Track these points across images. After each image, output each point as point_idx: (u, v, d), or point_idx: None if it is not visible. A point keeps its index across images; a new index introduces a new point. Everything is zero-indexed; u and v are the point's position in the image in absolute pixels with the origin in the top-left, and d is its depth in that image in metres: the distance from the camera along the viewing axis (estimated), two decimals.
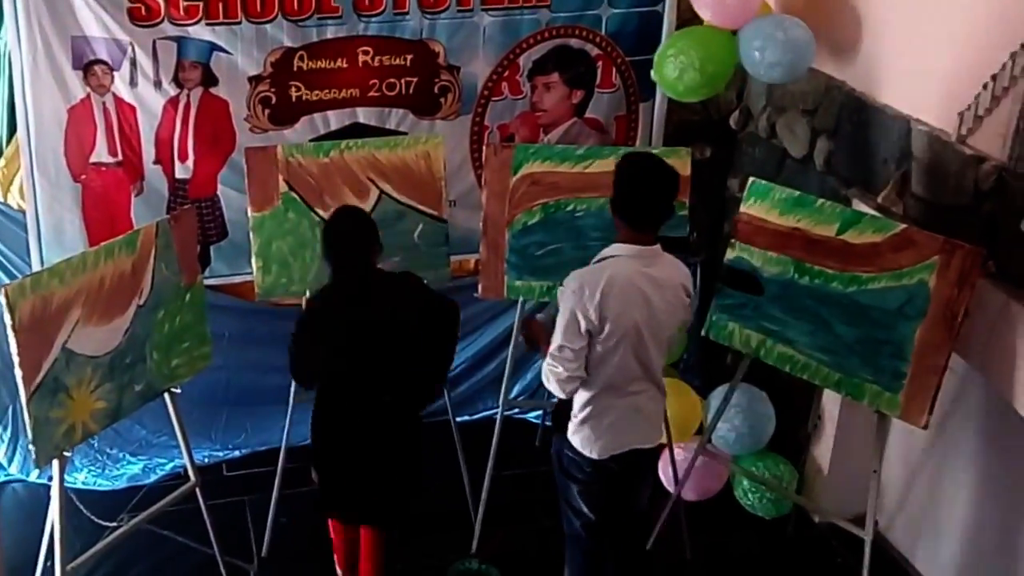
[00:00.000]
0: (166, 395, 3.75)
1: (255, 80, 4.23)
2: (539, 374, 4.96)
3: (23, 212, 4.19)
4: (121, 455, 4.68)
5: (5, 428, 4.50)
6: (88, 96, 4.08)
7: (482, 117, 4.56)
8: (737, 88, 4.73)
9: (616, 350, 3.31)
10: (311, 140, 4.31)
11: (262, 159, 4.03)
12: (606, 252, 3.36)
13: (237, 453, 4.80)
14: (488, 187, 4.10)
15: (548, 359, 3.35)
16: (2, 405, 4.46)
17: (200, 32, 4.10)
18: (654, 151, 4.30)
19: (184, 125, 4.23)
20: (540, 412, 5.05)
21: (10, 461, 4.58)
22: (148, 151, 4.22)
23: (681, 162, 4.01)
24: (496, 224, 4.09)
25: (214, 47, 4.14)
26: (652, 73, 4.23)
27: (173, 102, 4.17)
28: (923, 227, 3.56)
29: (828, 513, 4.21)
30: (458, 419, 4.46)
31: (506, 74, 4.51)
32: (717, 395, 4.31)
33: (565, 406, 3.46)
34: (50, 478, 3.49)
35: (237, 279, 4.46)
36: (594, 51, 4.56)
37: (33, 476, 4.55)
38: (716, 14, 4.03)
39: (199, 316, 3.86)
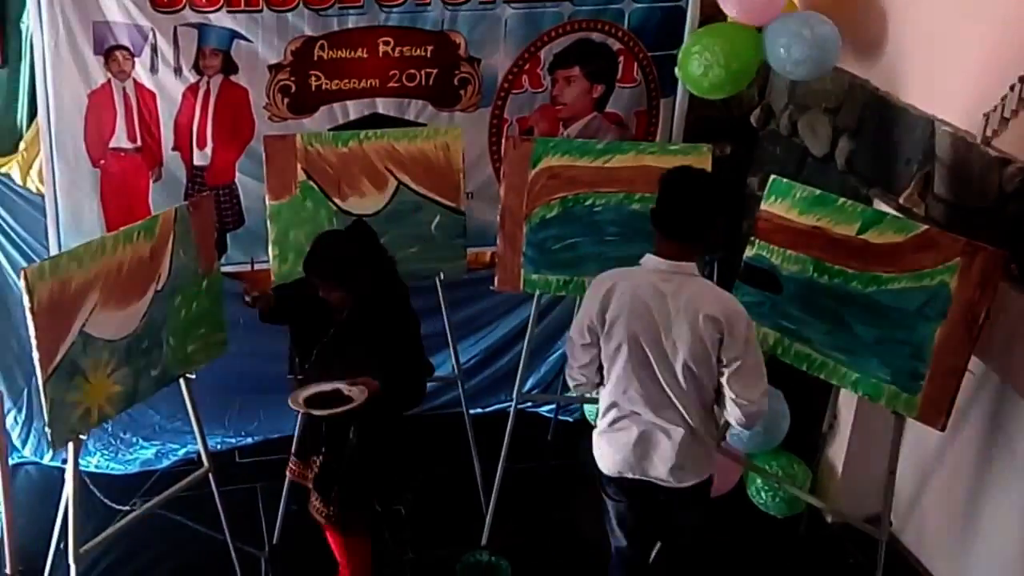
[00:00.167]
0: (181, 381, 3.76)
1: (275, 68, 4.23)
2: (553, 367, 5.06)
3: (42, 196, 4.20)
4: (134, 439, 4.70)
5: (20, 411, 4.52)
6: (108, 82, 4.08)
7: (502, 110, 4.55)
8: (759, 86, 4.71)
9: (617, 357, 3.24)
10: (330, 129, 4.31)
11: (281, 148, 4.03)
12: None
13: (249, 440, 4.81)
14: (506, 180, 4.09)
15: (567, 351, 3.36)
16: (16, 388, 4.48)
17: (221, 19, 4.09)
18: (672, 147, 4.32)
19: (203, 112, 4.23)
20: (553, 406, 5.05)
21: (24, 443, 4.60)
22: (167, 137, 4.22)
23: (701, 159, 4.01)
24: (514, 217, 4.08)
25: (235, 35, 4.13)
26: (676, 70, 4.21)
27: (193, 89, 4.17)
28: (945, 229, 3.54)
29: (841, 513, 4.19)
30: (471, 411, 4.47)
31: (527, 67, 4.49)
32: None
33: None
34: (64, 461, 3.50)
35: (258, 267, 4.46)
36: (616, 45, 4.54)
37: (47, 459, 4.58)
38: (742, 11, 4.01)
39: (216, 303, 3.86)
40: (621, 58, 4.58)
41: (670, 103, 4.71)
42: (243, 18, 4.11)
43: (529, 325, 4.24)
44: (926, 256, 3.44)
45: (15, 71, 4.06)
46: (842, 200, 3.68)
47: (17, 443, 4.58)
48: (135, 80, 4.11)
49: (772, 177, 3.85)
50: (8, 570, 3.55)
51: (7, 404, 4.31)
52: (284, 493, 4.25)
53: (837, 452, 4.39)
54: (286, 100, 4.28)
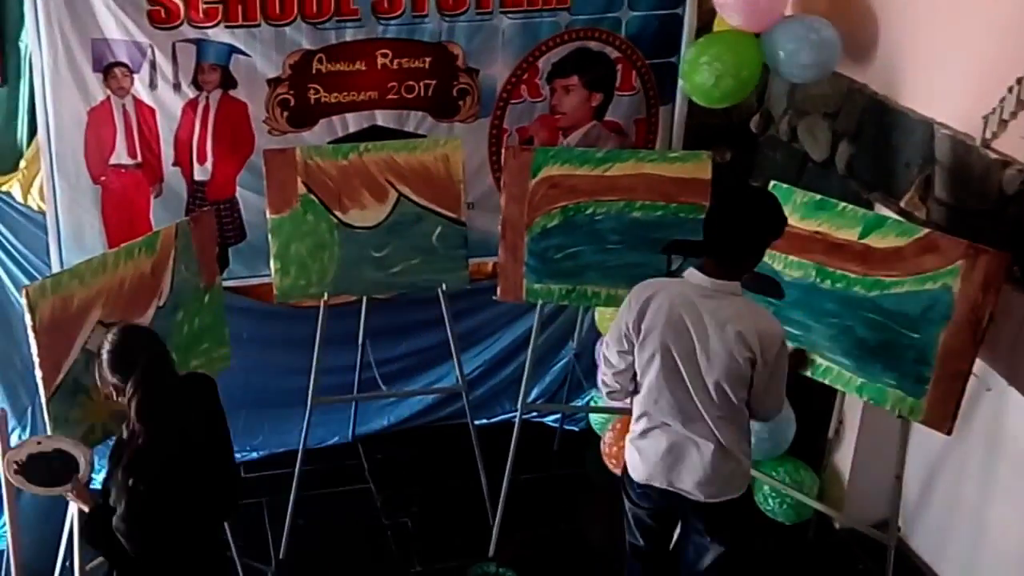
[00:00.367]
0: None
1: (274, 82, 4.23)
2: (557, 377, 5.06)
3: (43, 213, 4.20)
4: None
5: (24, 428, 4.51)
6: (108, 98, 4.09)
7: (501, 120, 4.55)
8: (758, 91, 4.70)
9: (650, 367, 3.22)
10: (330, 142, 4.31)
11: (281, 161, 4.03)
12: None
13: (255, 455, 4.80)
14: (507, 190, 4.09)
15: (598, 357, 3.37)
16: (20, 406, 4.47)
17: (219, 34, 4.10)
18: (672, 154, 4.31)
19: (203, 127, 4.23)
20: (558, 416, 5.04)
21: None
22: (167, 153, 4.22)
23: (701, 165, 4.01)
24: (515, 227, 4.08)
25: (233, 49, 4.14)
26: (681, 83, 4.19)
27: (192, 104, 4.18)
28: (946, 231, 3.53)
29: (849, 519, 4.18)
30: (476, 422, 4.45)
31: (525, 77, 4.49)
32: None
33: None
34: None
35: (255, 281, 4.46)
36: (614, 54, 4.55)
37: None
38: (748, 18, 3.99)
39: (218, 318, 3.86)
40: (619, 66, 4.58)
41: (669, 110, 4.71)
42: (241, 33, 4.11)
43: (532, 335, 4.23)
44: (929, 259, 3.43)
45: (14, 89, 4.06)
46: (843, 205, 3.67)
47: None
48: (134, 96, 4.11)
49: (773, 183, 3.85)
50: None
51: (11, 422, 4.30)
52: (290, 507, 4.25)
53: (843, 458, 4.38)
54: (285, 114, 4.29)
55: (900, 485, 3.69)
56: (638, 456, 3.36)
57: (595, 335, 4.82)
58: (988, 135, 3.51)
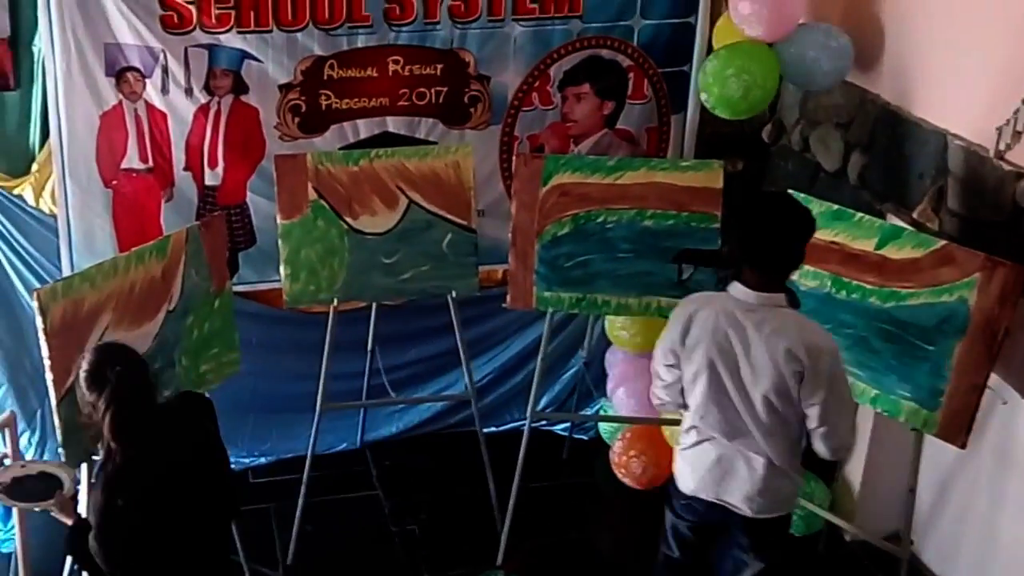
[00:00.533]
0: None
1: (285, 88, 4.23)
2: (566, 386, 5.04)
3: (55, 217, 4.20)
4: None
5: (34, 431, 4.50)
6: (120, 103, 4.09)
7: (512, 127, 4.54)
8: (771, 101, 4.69)
9: (696, 383, 3.20)
10: (341, 148, 4.31)
11: (292, 167, 4.03)
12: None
13: (263, 460, 4.79)
14: (517, 197, 4.08)
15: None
16: (30, 409, 4.46)
17: (231, 40, 4.10)
18: (683, 163, 4.30)
19: (214, 132, 4.24)
20: (568, 424, 5.03)
21: None
22: (179, 158, 4.22)
23: (713, 175, 4.00)
24: (525, 234, 4.07)
25: (245, 55, 4.14)
26: (704, 97, 4.11)
27: (204, 109, 4.18)
28: (959, 243, 3.52)
29: (860, 531, 4.16)
30: (485, 430, 4.44)
31: (536, 84, 4.49)
32: None
33: None
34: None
35: (265, 286, 4.46)
36: (626, 62, 4.54)
37: None
38: (771, 29, 3.97)
39: (228, 322, 3.86)
40: (631, 75, 4.57)
41: (681, 119, 4.70)
42: (253, 38, 4.11)
43: (542, 343, 4.22)
44: (945, 271, 3.42)
45: (27, 93, 4.07)
46: (860, 215, 3.66)
47: None
48: (146, 101, 4.11)
49: (789, 192, 3.83)
50: None
51: (21, 425, 4.30)
52: (298, 513, 4.24)
53: (855, 469, 4.35)
54: (296, 119, 4.29)
55: (913, 498, 3.67)
56: (688, 468, 3.33)
57: (605, 344, 4.81)
58: (1002, 146, 3.50)
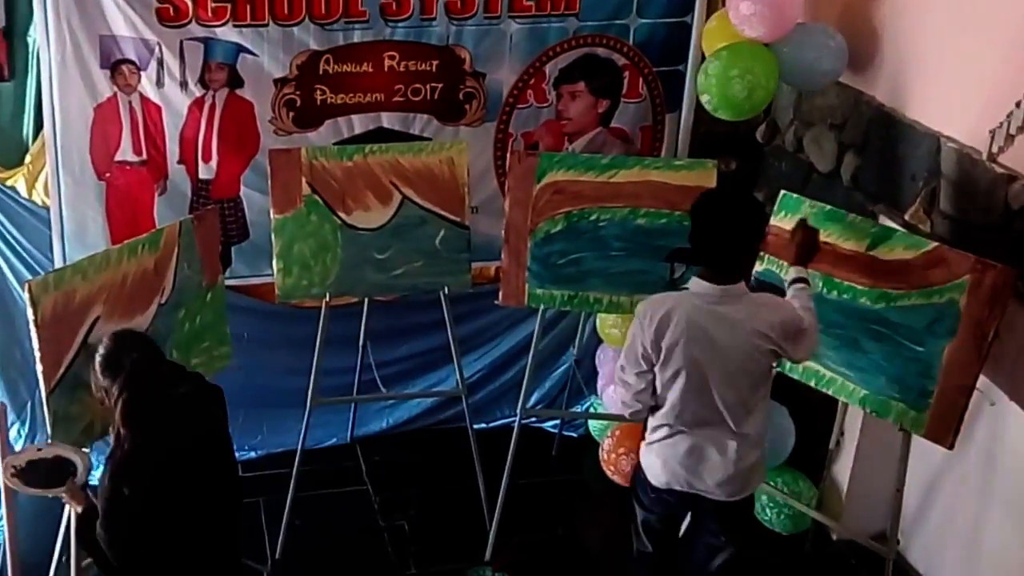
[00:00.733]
0: None
1: (280, 82, 4.23)
2: (557, 383, 5.05)
3: (47, 209, 4.20)
4: None
5: (24, 423, 4.50)
6: (115, 95, 4.08)
7: (507, 124, 4.55)
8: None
9: (674, 382, 3.23)
10: (335, 143, 4.31)
11: (286, 161, 4.03)
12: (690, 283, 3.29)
13: (253, 454, 4.79)
14: (511, 194, 4.09)
15: (615, 379, 3.37)
16: (20, 401, 4.46)
17: (227, 33, 4.10)
18: (677, 162, 4.31)
19: (209, 126, 4.23)
20: (558, 421, 5.04)
21: None
22: (172, 151, 4.22)
23: (707, 174, 4.01)
24: (518, 232, 4.08)
25: (241, 49, 4.14)
26: (706, 98, 4.10)
27: (198, 103, 4.17)
28: (951, 245, 3.53)
29: (847, 530, 4.17)
30: (475, 426, 4.45)
31: (532, 82, 4.50)
32: None
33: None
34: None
35: (257, 280, 4.46)
36: (621, 61, 4.55)
37: None
38: (772, 30, 3.98)
39: (219, 316, 3.86)
40: (626, 73, 4.58)
41: (675, 118, 4.71)
42: (249, 32, 4.11)
43: (533, 340, 4.22)
44: (936, 273, 3.43)
45: (21, 84, 4.07)
46: (852, 216, 3.67)
47: None
48: (141, 94, 4.11)
49: (782, 192, 3.85)
50: None
51: (11, 417, 4.30)
52: (287, 507, 4.24)
53: (843, 469, 4.37)
54: (291, 114, 4.29)
55: (900, 498, 3.68)
56: (658, 461, 3.36)
57: (596, 341, 4.82)
58: (995, 149, 3.51)
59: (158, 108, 4.15)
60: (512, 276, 4.13)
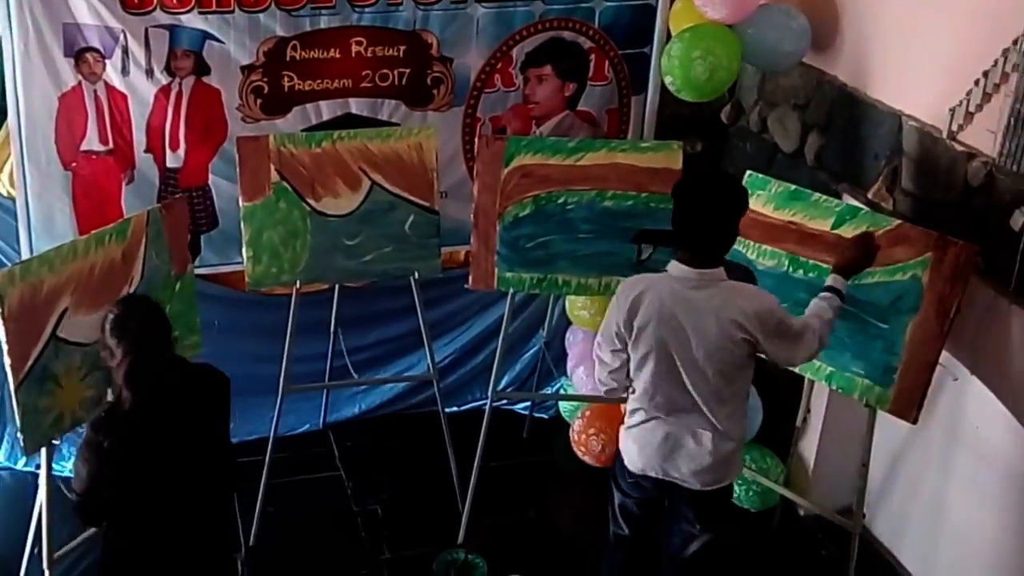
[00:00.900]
0: None
1: (247, 69, 4.21)
2: (527, 365, 5.08)
3: (13, 199, 4.16)
4: None
5: None
6: (79, 84, 4.05)
7: (474, 109, 4.55)
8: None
9: (645, 364, 3.24)
10: (303, 130, 4.30)
11: (254, 149, 4.02)
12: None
13: None
14: (480, 179, 4.10)
15: (593, 356, 3.39)
16: None
17: (193, 20, 4.07)
18: (643, 144, 4.34)
19: (176, 114, 4.21)
20: (529, 403, 5.07)
21: None
22: (139, 140, 4.19)
23: (673, 156, 4.04)
24: (487, 216, 4.10)
25: (207, 36, 4.11)
26: (668, 80, 4.12)
27: (165, 91, 4.15)
28: (912, 222, 3.58)
29: (814, 505, 4.24)
30: (447, 410, 4.47)
31: (499, 66, 4.50)
32: None
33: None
34: (38, 466, 3.48)
35: (227, 268, 4.45)
36: (587, 44, 4.57)
37: (20, 464, 4.53)
38: (734, 10, 4.01)
39: (189, 305, 3.85)
40: (592, 56, 4.60)
41: (641, 100, 4.74)
42: (215, 19, 4.09)
43: (503, 323, 4.25)
44: (899, 250, 3.48)
45: None
46: (817, 195, 3.72)
47: None
48: (106, 82, 4.08)
49: (748, 172, 3.89)
50: None
51: None
52: (260, 494, 4.25)
53: (809, 445, 4.43)
54: (259, 101, 4.27)
55: (866, 473, 3.74)
56: (635, 446, 3.38)
57: (565, 324, 4.85)
58: (955, 127, 3.57)
59: (124, 97, 4.12)
60: (481, 260, 4.15)
